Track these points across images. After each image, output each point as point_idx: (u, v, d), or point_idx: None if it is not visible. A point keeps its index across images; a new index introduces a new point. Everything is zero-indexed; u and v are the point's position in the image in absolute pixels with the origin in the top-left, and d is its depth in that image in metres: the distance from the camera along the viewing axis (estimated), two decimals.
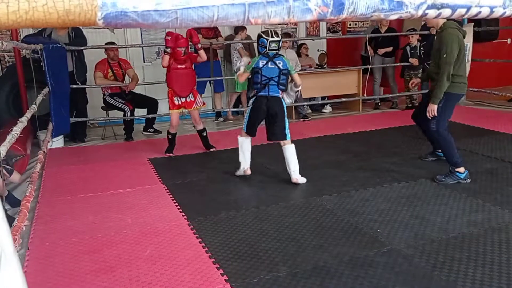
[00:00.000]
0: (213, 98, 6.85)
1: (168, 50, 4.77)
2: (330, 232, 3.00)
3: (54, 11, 0.41)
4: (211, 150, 5.24)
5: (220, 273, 2.52)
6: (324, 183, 4.00)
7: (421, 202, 3.45)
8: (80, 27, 6.16)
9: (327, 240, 2.90)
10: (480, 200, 3.43)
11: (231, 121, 7.02)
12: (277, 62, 3.92)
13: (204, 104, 5.27)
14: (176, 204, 3.60)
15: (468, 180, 3.83)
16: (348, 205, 3.45)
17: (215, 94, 6.85)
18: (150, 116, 6.36)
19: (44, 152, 4.66)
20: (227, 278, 2.47)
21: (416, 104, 7.54)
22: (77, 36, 5.92)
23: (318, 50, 7.75)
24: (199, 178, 4.28)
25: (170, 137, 5.14)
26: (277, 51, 3.95)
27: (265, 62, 3.91)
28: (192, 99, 5.00)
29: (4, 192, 3.57)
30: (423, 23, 7.95)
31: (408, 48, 7.37)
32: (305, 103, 7.14)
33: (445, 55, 3.68)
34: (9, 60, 6.73)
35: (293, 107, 7.10)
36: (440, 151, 4.24)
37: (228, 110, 7.14)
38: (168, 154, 5.09)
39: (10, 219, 3.16)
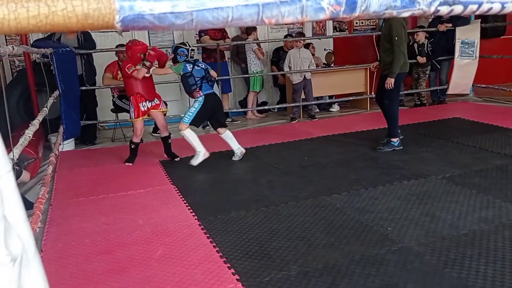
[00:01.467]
0: (220, 99, 6.87)
1: (147, 63, 4.70)
2: (340, 231, 3.00)
3: (73, 15, 0.42)
4: (175, 159, 5.02)
5: (232, 273, 2.53)
6: (333, 182, 3.99)
7: (431, 199, 3.44)
8: (89, 31, 6.22)
9: (338, 238, 2.89)
10: (490, 197, 3.41)
11: (239, 122, 7.04)
12: (199, 64, 4.67)
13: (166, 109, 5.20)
14: (187, 204, 3.62)
15: (401, 147, 4.80)
16: (357, 204, 3.45)
17: (222, 95, 6.87)
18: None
19: (56, 154, 4.72)
20: (238, 278, 2.48)
21: (424, 101, 7.53)
22: (86, 39, 5.97)
23: (325, 49, 7.74)
24: (208, 178, 4.30)
25: (133, 146, 4.96)
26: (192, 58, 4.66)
27: (191, 66, 4.60)
28: (158, 102, 4.96)
29: None
30: (430, 20, 7.93)
31: (415, 45, 7.34)
32: (313, 103, 7.14)
33: (396, 37, 4.52)
34: (19, 64, 6.79)
35: (301, 106, 7.10)
36: (387, 139, 4.91)
37: (248, 109, 7.19)
38: (128, 164, 4.90)
39: None
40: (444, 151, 4.73)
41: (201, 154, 4.64)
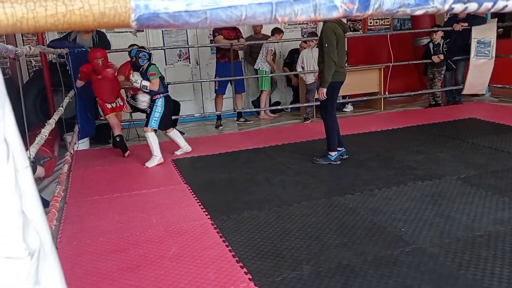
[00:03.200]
0: (234, 98, 6.89)
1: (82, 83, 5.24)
2: (353, 231, 2.99)
3: (90, 14, 0.43)
4: (125, 155, 5.28)
5: (244, 272, 2.54)
6: (346, 182, 3.98)
7: (446, 200, 3.40)
8: (103, 31, 6.28)
9: (351, 239, 2.88)
10: (506, 198, 3.36)
11: (252, 122, 7.05)
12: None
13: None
14: (200, 203, 3.64)
15: (338, 162, 4.51)
16: (371, 204, 3.43)
17: (236, 95, 6.89)
18: (173, 117, 6.42)
19: (71, 153, 4.78)
20: (251, 277, 2.48)
21: (439, 102, 7.45)
22: (101, 40, 6.03)
23: None
24: (221, 178, 4.32)
25: (118, 139, 5.29)
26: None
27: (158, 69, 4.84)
28: (122, 104, 5.34)
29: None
30: (445, 19, 7.85)
31: (431, 45, 7.27)
32: None
33: (326, 44, 4.29)
34: (35, 64, 6.90)
35: (314, 106, 7.08)
36: (341, 148, 4.61)
37: (261, 109, 7.20)
38: (127, 154, 5.24)
39: None
40: (459, 152, 4.68)
41: (157, 159, 4.85)
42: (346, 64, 4.73)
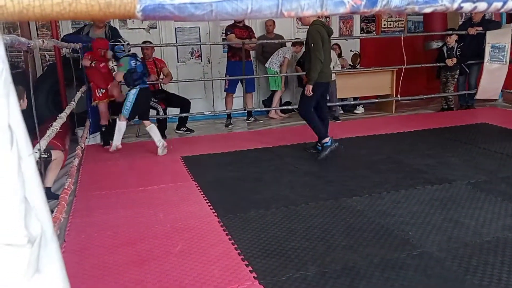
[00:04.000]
0: (244, 97, 6.90)
1: (93, 63, 5.34)
2: (360, 233, 2.97)
3: (95, 3, 0.43)
4: (107, 146, 5.47)
5: (249, 270, 2.54)
6: (354, 184, 3.96)
7: (455, 205, 3.37)
8: (116, 28, 6.33)
9: (357, 241, 2.87)
10: None
11: (262, 121, 7.05)
12: (138, 59, 5.01)
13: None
14: (207, 201, 3.65)
15: (336, 144, 4.76)
16: (379, 207, 3.41)
17: (246, 94, 6.89)
18: (183, 115, 6.45)
19: (82, 147, 4.81)
20: (255, 275, 2.48)
21: (452, 106, 7.39)
22: (113, 35, 6.06)
23: (351, 51, 7.68)
24: (229, 176, 4.32)
25: (103, 129, 5.62)
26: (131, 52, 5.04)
27: (134, 61, 4.93)
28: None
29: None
30: (460, 23, 7.78)
31: (445, 48, 7.21)
32: (337, 104, 7.09)
33: (312, 44, 4.55)
34: (49, 59, 6.96)
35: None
36: (319, 144, 4.87)
37: (271, 109, 7.19)
38: (109, 148, 5.31)
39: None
40: (470, 157, 4.63)
41: (114, 145, 5.17)
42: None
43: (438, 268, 2.49)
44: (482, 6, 0.51)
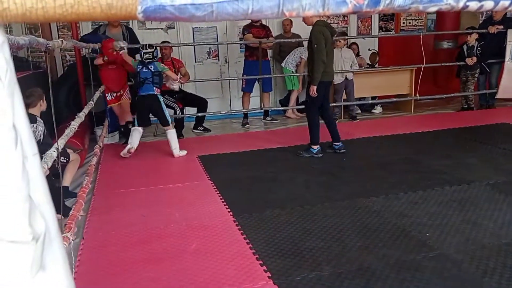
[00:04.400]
0: (261, 97, 6.89)
1: (106, 58, 5.41)
2: (376, 234, 2.95)
3: (97, 5, 0.44)
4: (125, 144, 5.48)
5: (264, 270, 2.54)
6: (371, 184, 3.93)
7: (473, 206, 3.32)
8: (131, 27, 6.40)
9: (373, 241, 2.84)
10: None
11: (279, 121, 7.03)
12: (149, 66, 5.08)
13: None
14: (223, 200, 3.66)
15: (320, 155, 4.83)
16: (395, 208, 3.37)
17: (263, 93, 6.88)
18: (200, 114, 6.48)
19: (100, 146, 4.88)
20: (270, 275, 2.48)
21: (472, 105, 7.26)
22: (131, 35, 6.14)
23: (369, 50, 7.61)
24: (245, 175, 4.33)
25: (123, 129, 5.68)
26: (152, 59, 5.11)
27: (141, 67, 5.08)
28: (121, 93, 5.62)
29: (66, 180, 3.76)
30: (480, 21, 7.64)
31: (465, 47, 7.09)
32: (355, 103, 7.04)
33: (315, 45, 4.58)
34: (70, 59, 7.07)
35: (342, 107, 7.02)
36: (336, 143, 4.95)
37: (288, 108, 7.18)
38: (129, 149, 5.11)
39: (67, 209, 3.33)
40: (489, 157, 4.55)
41: (127, 148, 5.03)
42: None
43: (455, 270, 2.46)
44: (488, 4, 0.50)
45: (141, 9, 0.45)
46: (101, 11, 0.43)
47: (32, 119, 3.42)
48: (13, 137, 0.44)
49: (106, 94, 5.53)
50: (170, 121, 5.18)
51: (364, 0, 0.48)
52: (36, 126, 3.46)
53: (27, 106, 3.58)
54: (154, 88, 5.09)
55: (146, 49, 5.12)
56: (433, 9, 0.50)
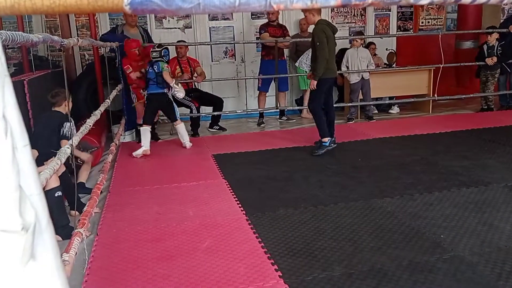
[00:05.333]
0: (277, 96, 6.89)
1: (138, 75, 5.50)
2: (389, 235, 2.92)
3: None
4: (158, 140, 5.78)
5: (275, 269, 2.54)
6: (386, 184, 3.88)
7: (490, 208, 3.26)
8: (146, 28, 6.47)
9: (386, 242, 2.82)
10: None
11: (294, 120, 7.01)
12: (153, 66, 5.17)
13: None
14: (236, 199, 3.67)
15: (334, 145, 5.00)
16: (410, 209, 3.33)
17: (279, 93, 6.87)
18: (215, 113, 6.50)
19: (116, 144, 4.94)
20: (281, 274, 2.48)
21: (492, 106, 7.13)
22: (148, 36, 6.21)
23: (386, 49, 7.53)
24: (259, 175, 4.33)
25: (139, 128, 5.54)
26: (158, 58, 5.19)
27: (148, 67, 5.23)
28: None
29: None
30: (501, 21, 7.50)
31: (485, 47, 6.97)
32: (372, 103, 6.97)
33: (318, 43, 4.74)
34: (88, 58, 7.18)
35: (359, 107, 6.96)
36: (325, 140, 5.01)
37: (304, 108, 7.14)
38: (146, 152, 5.15)
39: (82, 205, 3.38)
40: (508, 159, 4.46)
41: (141, 149, 5.08)
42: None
43: (469, 272, 2.42)
44: None
45: (128, 1, 0.45)
46: (88, 3, 0.44)
47: (65, 118, 3.46)
48: (2, 127, 0.45)
49: (138, 91, 5.60)
50: (178, 117, 5.37)
51: None
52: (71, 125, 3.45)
53: (53, 105, 3.64)
54: (159, 88, 5.20)
55: (155, 48, 5.24)
56: (424, 2, 0.49)
